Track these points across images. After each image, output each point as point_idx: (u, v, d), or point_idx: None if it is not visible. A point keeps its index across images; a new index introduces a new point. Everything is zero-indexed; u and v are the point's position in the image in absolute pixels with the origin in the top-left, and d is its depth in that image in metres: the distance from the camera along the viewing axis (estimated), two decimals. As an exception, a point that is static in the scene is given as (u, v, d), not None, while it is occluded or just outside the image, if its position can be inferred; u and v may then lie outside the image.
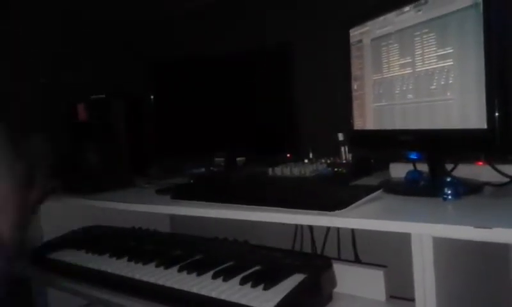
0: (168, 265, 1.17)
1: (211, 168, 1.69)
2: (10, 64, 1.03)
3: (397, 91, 1.19)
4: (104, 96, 1.80)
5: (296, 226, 1.39)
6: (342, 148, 1.48)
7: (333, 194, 1.09)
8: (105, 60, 2.13)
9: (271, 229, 1.24)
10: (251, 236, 1.29)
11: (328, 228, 1.31)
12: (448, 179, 1.02)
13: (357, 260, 1.27)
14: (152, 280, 1.12)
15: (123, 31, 2.17)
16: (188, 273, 1.12)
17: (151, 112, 1.87)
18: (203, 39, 2.03)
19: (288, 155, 1.60)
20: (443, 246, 0.83)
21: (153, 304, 1.09)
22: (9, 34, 1.56)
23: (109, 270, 1.22)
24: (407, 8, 1.14)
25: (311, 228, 1.38)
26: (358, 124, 1.36)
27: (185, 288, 1.06)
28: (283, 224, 1.13)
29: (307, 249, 1.37)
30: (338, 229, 1.30)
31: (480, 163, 1.15)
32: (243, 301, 0.96)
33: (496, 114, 0.93)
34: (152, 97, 1.85)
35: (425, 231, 0.82)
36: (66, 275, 1.30)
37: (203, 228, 1.33)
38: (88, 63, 2.08)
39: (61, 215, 1.50)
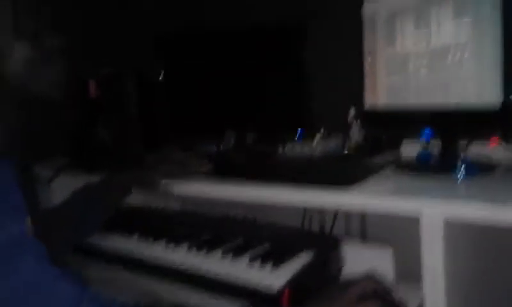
0: (177, 243, 1.18)
1: (221, 146, 1.68)
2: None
3: (411, 67, 1.16)
4: (114, 71, 1.78)
5: (305, 204, 1.38)
6: (354, 125, 1.46)
7: (343, 171, 1.08)
8: (116, 33, 2.11)
9: (280, 208, 1.23)
10: (260, 216, 1.29)
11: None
12: (461, 158, 1.00)
13: (365, 239, 1.26)
14: (162, 257, 1.13)
15: (136, 4, 2.15)
16: (198, 250, 1.13)
17: (162, 88, 1.86)
18: (214, 12, 2.00)
19: (300, 132, 1.58)
20: (453, 226, 0.82)
21: (163, 281, 1.10)
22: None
23: (119, 248, 1.23)
24: (422, -19, 1.10)
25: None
26: (370, 101, 1.34)
27: (195, 266, 1.06)
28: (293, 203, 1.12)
29: (316, 228, 1.36)
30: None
31: (494, 143, 1.12)
32: (253, 280, 0.96)
33: (512, 91, 0.91)
34: (162, 72, 1.84)
35: (436, 210, 0.81)
36: (74, 253, 1.31)
37: (212, 206, 1.33)
38: (98, 37, 2.07)
39: (71, 191, 1.51)
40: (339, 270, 1.02)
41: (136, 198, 1.32)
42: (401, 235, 1.00)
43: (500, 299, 0.88)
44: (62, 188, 1.49)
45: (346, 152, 1.35)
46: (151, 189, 1.26)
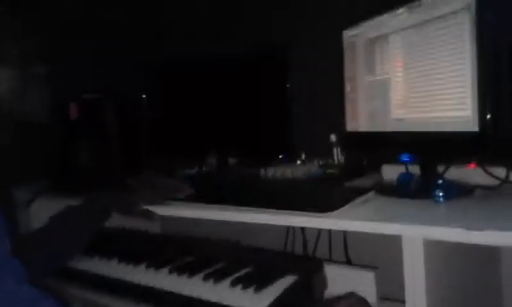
0: (158, 267, 1.17)
1: (203, 169, 1.68)
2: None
3: (390, 93, 1.19)
4: (96, 95, 1.78)
5: (288, 227, 1.39)
6: (335, 150, 1.48)
7: (325, 195, 1.09)
8: (99, 58, 2.11)
9: (263, 230, 1.23)
10: (242, 237, 1.28)
11: (320, 230, 1.31)
12: (440, 181, 1.02)
13: (348, 262, 1.27)
14: (143, 282, 1.11)
15: (118, 30, 2.16)
16: (179, 274, 1.11)
17: (144, 112, 1.86)
18: (198, 39, 2.02)
19: (280, 156, 1.59)
20: (433, 248, 0.83)
21: (144, 305, 1.08)
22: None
23: (99, 272, 1.21)
24: (401, 10, 1.14)
25: (303, 229, 1.37)
26: (351, 125, 1.36)
27: (176, 289, 1.05)
28: (275, 225, 1.12)
29: (299, 250, 1.36)
30: (329, 230, 1.30)
31: (472, 165, 1.15)
32: (235, 303, 0.95)
33: (488, 116, 0.94)
34: (144, 97, 1.85)
35: (416, 233, 0.82)
36: (54, 276, 1.28)
37: (194, 228, 1.32)
38: (81, 61, 2.06)
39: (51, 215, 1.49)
40: (322, 292, 1.02)
41: (116, 221, 1.30)
42: (383, 255, 1.01)
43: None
44: (41, 211, 1.46)
45: (328, 176, 1.36)
46: (130, 213, 1.24)
